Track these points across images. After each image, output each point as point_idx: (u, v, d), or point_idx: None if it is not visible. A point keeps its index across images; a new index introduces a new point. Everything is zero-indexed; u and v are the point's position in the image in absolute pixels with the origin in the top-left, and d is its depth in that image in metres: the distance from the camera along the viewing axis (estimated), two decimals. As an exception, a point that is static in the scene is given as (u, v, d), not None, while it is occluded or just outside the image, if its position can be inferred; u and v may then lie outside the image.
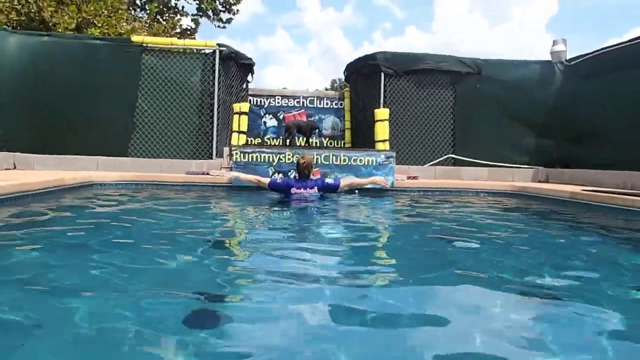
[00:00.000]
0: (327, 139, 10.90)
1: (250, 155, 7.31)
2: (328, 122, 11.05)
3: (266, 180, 5.88)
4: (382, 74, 9.49)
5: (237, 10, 20.22)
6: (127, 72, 8.88)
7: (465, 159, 9.68)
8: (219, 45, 9.13)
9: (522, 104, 9.77)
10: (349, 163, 7.35)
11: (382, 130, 8.40)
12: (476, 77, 9.75)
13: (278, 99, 10.86)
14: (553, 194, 6.78)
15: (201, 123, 9.08)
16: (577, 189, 6.84)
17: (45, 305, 1.84)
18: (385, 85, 9.55)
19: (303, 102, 10.94)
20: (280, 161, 7.31)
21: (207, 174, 7.85)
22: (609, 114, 8.41)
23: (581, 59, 9.44)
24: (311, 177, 5.82)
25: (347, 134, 10.98)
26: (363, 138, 10.29)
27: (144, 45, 8.95)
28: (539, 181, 9.60)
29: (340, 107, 11.08)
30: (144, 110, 8.94)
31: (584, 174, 8.62)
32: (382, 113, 8.57)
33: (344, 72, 11.05)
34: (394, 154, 7.54)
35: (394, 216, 5.45)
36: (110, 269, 2.39)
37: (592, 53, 9.19)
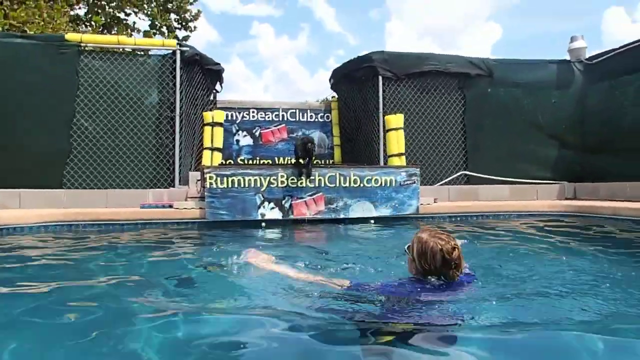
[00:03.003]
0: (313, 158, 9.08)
1: (229, 179, 5.42)
2: (313, 139, 9.27)
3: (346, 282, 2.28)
4: (380, 78, 7.90)
5: (195, 27, 18.62)
6: (61, 79, 6.90)
7: (481, 175, 8.16)
8: (180, 45, 7.32)
9: (539, 110, 8.51)
10: (362, 185, 5.60)
11: (396, 142, 6.65)
12: (487, 80, 8.36)
13: (253, 112, 9.01)
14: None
15: (159, 142, 7.14)
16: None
17: None
18: (383, 91, 7.97)
19: (283, 116, 9.13)
20: (271, 185, 5.46)
21: (170, 206, 5.90)
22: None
23: (604, 57, 8.24)
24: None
25: (337, 151, 9.26)
26: (357, 156, 8.61)
27: (82, 45, 7.00)
28: (566, 198, 8.25)
29: (327, 120, 9.37)
30: (84, 128, 6.92)
31: (629, 187, 7.26)
32: (395, 120, 6.83)
33: (330, 80, 9.42)
34: (418, 171, 5.86)
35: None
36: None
37: (617, 49, 8.01)
